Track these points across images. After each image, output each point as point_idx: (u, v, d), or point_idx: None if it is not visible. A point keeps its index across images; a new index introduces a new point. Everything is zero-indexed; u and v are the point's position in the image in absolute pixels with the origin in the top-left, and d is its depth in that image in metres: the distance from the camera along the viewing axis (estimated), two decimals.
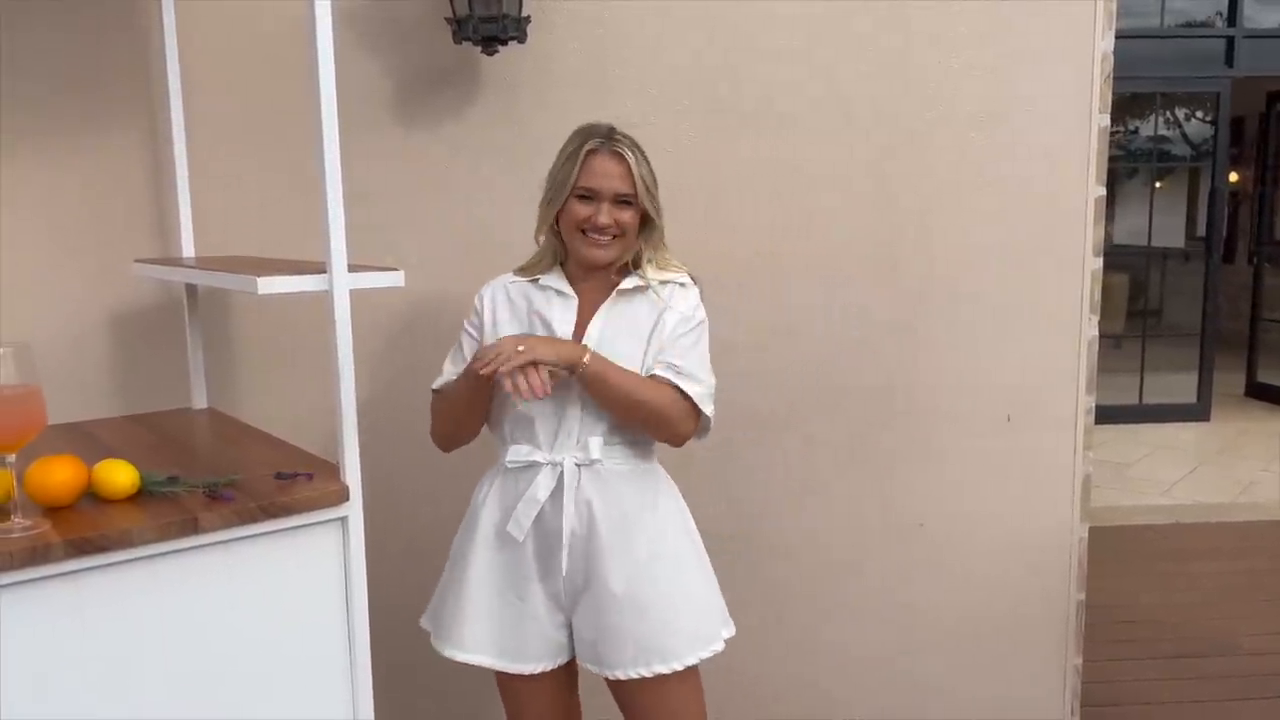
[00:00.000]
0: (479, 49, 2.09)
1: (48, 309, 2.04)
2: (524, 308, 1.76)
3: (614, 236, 1.70)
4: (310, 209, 1.47)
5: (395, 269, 1.55)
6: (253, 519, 1.38)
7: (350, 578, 1.48)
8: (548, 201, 1.74)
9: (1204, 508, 5.05)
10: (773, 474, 2.41)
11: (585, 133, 1.71)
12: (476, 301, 1.80)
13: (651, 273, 1.75)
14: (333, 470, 1.51)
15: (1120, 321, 7.76)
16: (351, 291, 1.47)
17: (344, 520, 1.47)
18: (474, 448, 2.13)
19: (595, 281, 1.76)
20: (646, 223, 1.74)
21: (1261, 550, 4.50)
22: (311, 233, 1.49)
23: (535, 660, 1.74)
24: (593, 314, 1.73)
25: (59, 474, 1.33)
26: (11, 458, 1.28)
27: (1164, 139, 7.91)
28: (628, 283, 1.74)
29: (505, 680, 1.78)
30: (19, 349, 1.26)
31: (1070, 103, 2.35)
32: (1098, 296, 2.43)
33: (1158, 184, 7.92)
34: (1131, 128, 7.54)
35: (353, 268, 1.48)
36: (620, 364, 1.67)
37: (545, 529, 1.70)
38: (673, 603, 1.71)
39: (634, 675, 1.68)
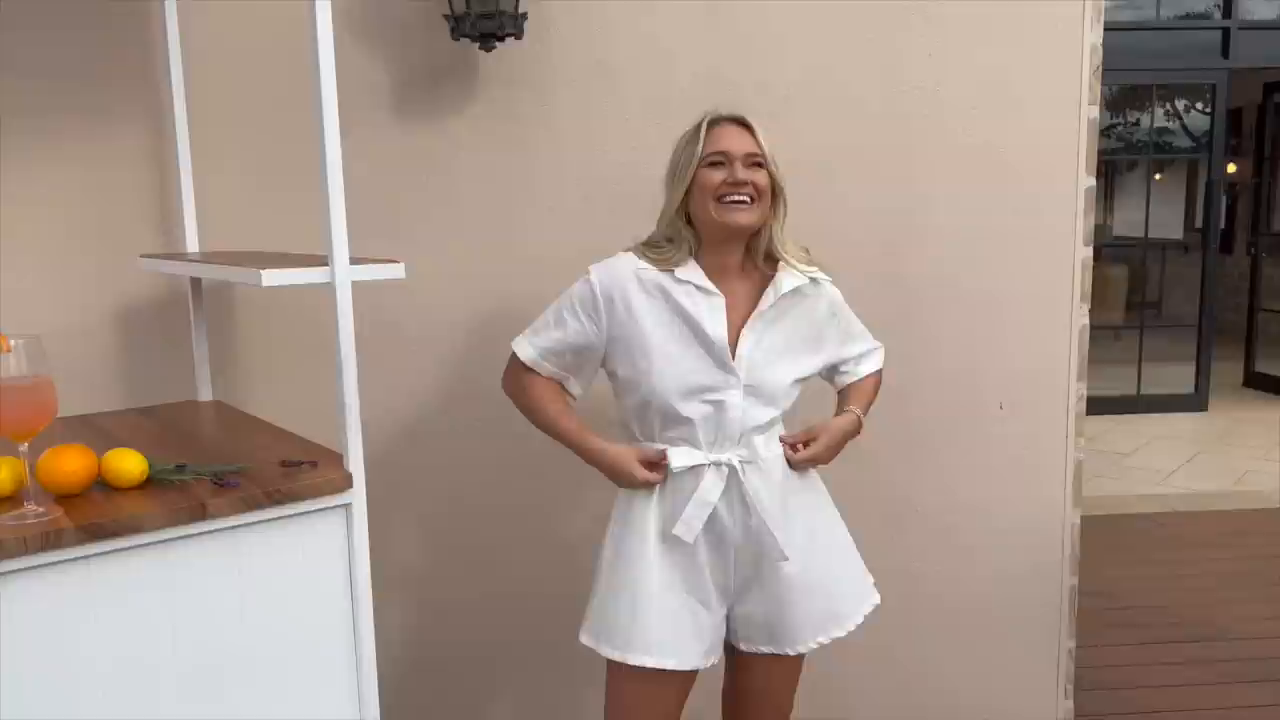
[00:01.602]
0: (476, 46, 2.12)
1: (54, 304, 2.08)
2: (665, 306, 1.68)
3: (751, 200, 1.66)
4: (312, 204, 1.50)
5: (396, 261, 1.59)
6: (259, 505, 1.41)
7: (354, 563, 1.52)
8: (674, 183, 1.69)
9: (1201, 496, 5.08)
10: None
11: (702, 116, 1.71)
12: (593, 286, 1.69)
13: (794, 263, 1.73)
14: (336, 459, 1.54)
15: (1119, 313, 7.79)
16: (353, 284, 1.50)
17: (348, 507, 1.51)
18: (489, 439, 2.17)
19: (730, 276, 1.72)
20: (774, 197, 1.71)
21: (1257, 538, 4.53)
22: (313, 228, 1.53)
23: (711, 655, 1.76)
24: (733, 311, 1.70)
25: (70, 462, 1.37)
26: (24, 447, 1.31)
27: (1165, 131, 7.93)
28: (788, 284, 1.71)
29: (652, 677, 1.72)
30: (30, 341, 1.29)
31: (1060, 95, 2.38)
32: (1088, 285, 2.46)
33: (1156, 176, 7.94)
34: (1133, 120, 7.57)
35: (354, 260, 1.51)
36: (777, 372, 1.71)
37: (715, 525, 1.71)
38: (836, 569, 1.81)
39: (813, 646, 1.78)
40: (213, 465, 1.51)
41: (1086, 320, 2.47)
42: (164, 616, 1.36)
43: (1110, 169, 8.20)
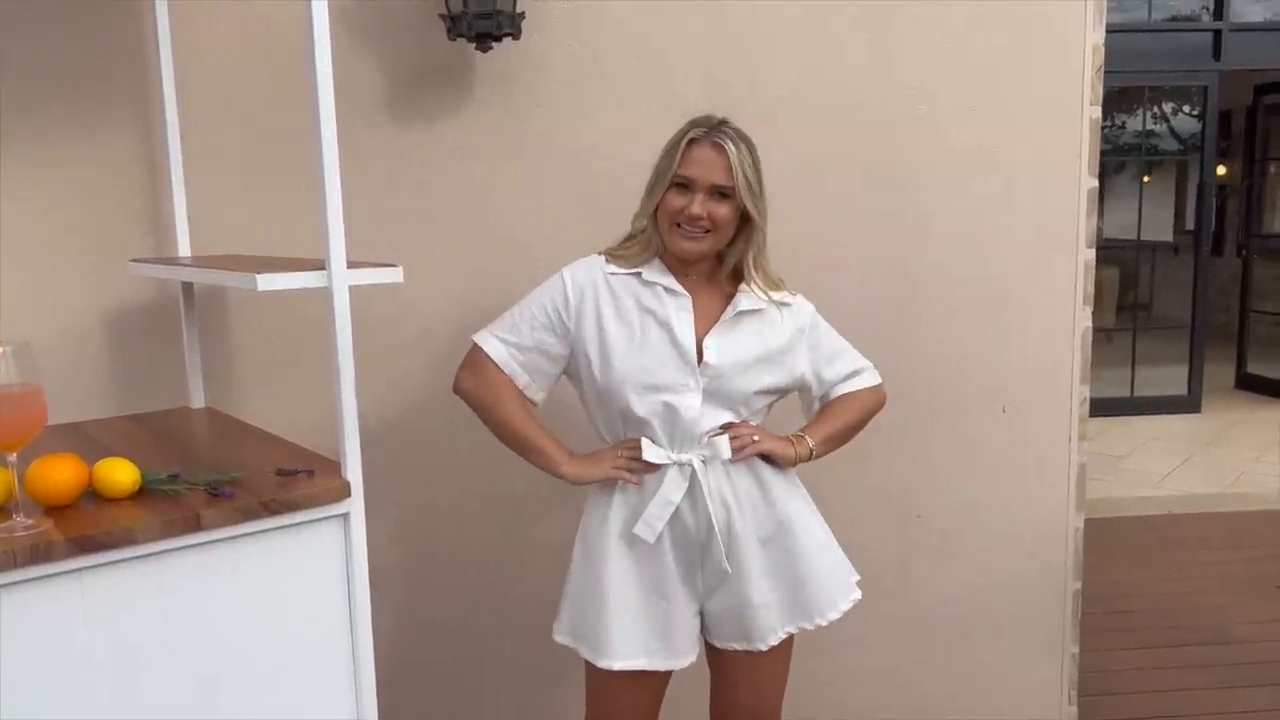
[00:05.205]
0: (473, 46, 2.09)
1: (44, 309, 2.04)
2: (631, 306, 1.70)
3: (706, 231, 1.65)
4: (305, 207, 1.47)
5: (394, 265, 1.55)
6: (255, 516, 1.38)
7: (353, 573, 1.48)
8: (648, 192, 1.70)
9: (1196, 498, 5.09)
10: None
11: (692, 123, 1.68)
12: (564, 285, 1.71)
13: (760, 288, 1.73)
14: (334, 467, 1.51)
15: (1111, 315, 7.80)
16: (350, 288, 1.47)
17: (345, 516, 1.47)
18: (480, 441, 2.12)
19: (695, 278, 1.73)
20: (747, 223, 1.70)
21: (1253, 539, 4.53)
22: (306, 231, 1.49)
23: (684, 654, 1.75)
24: (699, 317, 1.70)
25: (60, 473, 1.33)
26: (13, 457, 1.27)
27: (1152, 134, 7.94)
28: (746, 303, 1.72)
29: (626, 675, 1.73)
30: (19, 348, 1.26)
31: (1062, 94, 2.37)
32: (1091, 287, 2.44)
33: (1146, 178, 7.96)
34: (1119, 122, 7.58)
35: (351, 264, 1.48)
36: (741, 380, 1.68)
37: (680, 526, 1.70)
38: (807, 562, 1.75)
39: (782, 636, 1.76)
40: (207, 475, 1.47)
41: (1089, 322, 2.45)
42: (158, 630, 1.32)
43: (1099, 171, 8.24)
